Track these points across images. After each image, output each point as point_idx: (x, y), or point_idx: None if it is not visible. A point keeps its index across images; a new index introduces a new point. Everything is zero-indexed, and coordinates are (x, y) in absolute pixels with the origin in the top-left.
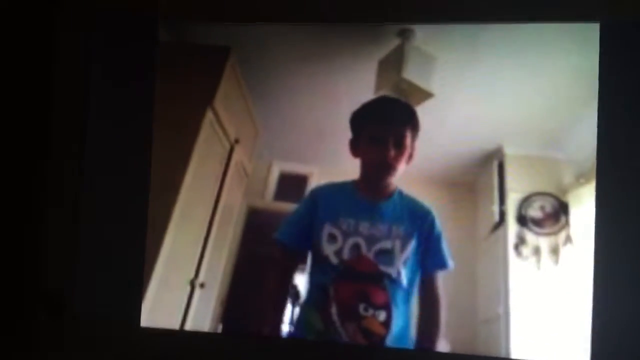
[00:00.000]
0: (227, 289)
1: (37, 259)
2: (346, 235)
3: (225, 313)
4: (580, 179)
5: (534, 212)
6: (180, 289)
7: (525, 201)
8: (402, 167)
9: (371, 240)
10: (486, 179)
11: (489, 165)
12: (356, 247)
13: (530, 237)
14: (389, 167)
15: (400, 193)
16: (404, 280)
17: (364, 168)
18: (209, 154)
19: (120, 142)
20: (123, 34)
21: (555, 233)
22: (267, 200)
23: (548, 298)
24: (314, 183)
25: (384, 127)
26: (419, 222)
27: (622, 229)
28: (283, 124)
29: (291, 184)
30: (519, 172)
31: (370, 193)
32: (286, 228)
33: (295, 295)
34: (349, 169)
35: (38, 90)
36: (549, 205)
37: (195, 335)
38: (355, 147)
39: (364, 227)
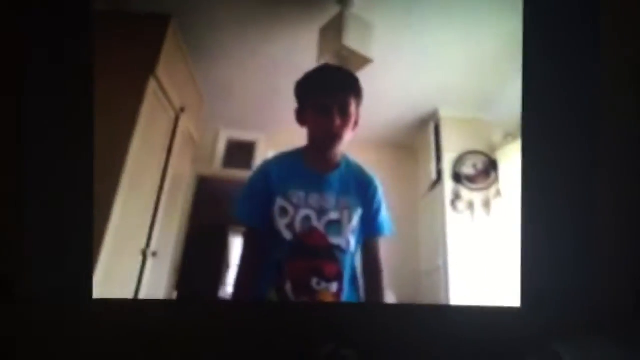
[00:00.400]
0: (180, 257)
1: None
2: (297, 207)
3: (179, 280)
4: (507, 137)
5: (467, 169)
6: (133, 259)
7: (459, 160)
8: (348, 136)
9: (321, 211)
10: (424, 141)
11: (426, 127)
12: (307, 219)
13: (464, 192)
14: (335, 136)
15: (347, 161)
16: (352, 248)
17: (312, 137)
18: (154, 123)
19: (60, 115)
20: (57, 3)
21: (487, 188)
22: (216, 167)
23: (482, 247)
24: (261, 148)
25: (329, 96)
26: (363, 191)
27: (546, 181)
28: (228, 91)
29: (239, 150)
30: (453, 133)
31: (318, 164)
32: (243, 205)
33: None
34: (295, 134)
35: None
36: (480, 162)
37: (150, 303)
38: (302, 117)
39: (314, 199)
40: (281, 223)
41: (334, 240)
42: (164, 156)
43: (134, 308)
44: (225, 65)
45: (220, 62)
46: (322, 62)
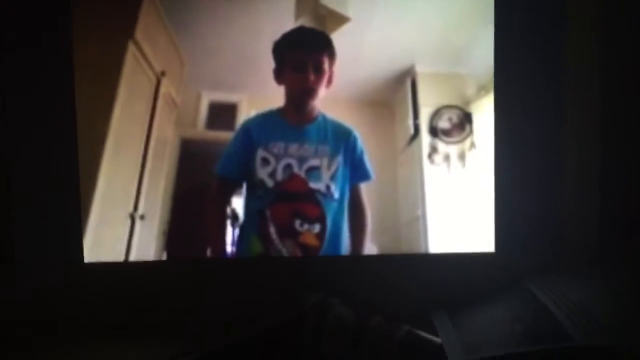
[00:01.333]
0: (168, 218)
1: None
2: (278, 157)
3: (168, 241)
4: (481, 91)
5: (443, 123)
6: (121, 223)
7: (436, 114)
8: (322, 91)
9: (301, 159)
10: (401, 97)
11: (403, 83)
12: (288, 167)
13: (441, 145)
14: (310, 91)
15: (324, 116)
16: (335, 193)
17: (288, 94)
18: (135, 88)
19: (41, 83)
20: None
21: (462, 140)
22: (199, 129)
23: (458, 197)
24: (243, 110)
25: (304, 54)
26: (342, 141)
27: (517, 132)
28: (208, 53)
29: (221, 112)
30: (430, 88)
31: (296, 118)
32: (225, 161)
33: (234, 217)
34: (276, 95)
35: None
36: (455, 116)
37: (141, 264)
38: (279, 75)
39: (294, 148)
40: (263, 172)
41: (314, 185)
42: (146, 120)
43: (125, 270)
44: (205, 29)
45: (200, 26)
46: (300, 21)
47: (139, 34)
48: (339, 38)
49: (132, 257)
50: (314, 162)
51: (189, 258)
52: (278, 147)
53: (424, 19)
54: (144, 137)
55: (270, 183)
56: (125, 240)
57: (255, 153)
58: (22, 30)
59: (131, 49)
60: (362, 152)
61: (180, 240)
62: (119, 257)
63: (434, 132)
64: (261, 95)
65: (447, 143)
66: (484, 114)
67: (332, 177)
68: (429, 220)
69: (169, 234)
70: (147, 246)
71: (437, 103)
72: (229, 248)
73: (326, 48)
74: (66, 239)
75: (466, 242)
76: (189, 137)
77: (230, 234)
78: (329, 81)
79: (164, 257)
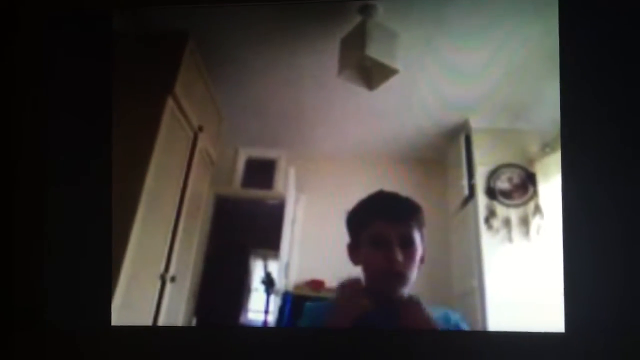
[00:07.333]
0: (199, 281)
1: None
2: None
3: (198, 305)
4: (545, 149)
5: (503, 184)
6: (151, 284)
7: (493, 174)
8: (414, 274)
9: None
10: (454, 154)
11: (456, 140)
12: None
13: (500, 209)
14: (397, 275)
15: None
16: None
17: (368, 278)
18: (172, 143)
19: (79, 137)
20: (76, 25)
21: (524, 203)
22: (235, 187)
23: (521, 269)
24: (282, 167)
25: (386, 225)
26: None
27: (589, 196)
28: (247, 108)
29: (259, 169)
30: (486, 145)
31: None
32: None
33: (270, 283)
34: (316, 152)
35: None
36: (516, 176)
37: (169, 329)
38: (355, 252)
39: None
40: None
41: None
42: (181, 177)
43: (152, 335)
44: (244, 81)
45: (239, 79)
46: (344, 74)
47: (178, 88)
48: (386, 91)
49: (161, 321)
50: None
51: (220, 324)
52: None
53: (479, 70)
54: (178, 195)
55: None
56: (154, 303)
57: None
58: (64, 82)
59: (170, 103)
60: None
61: (211, 305)
62: (147, 321)
63: (491, 193)
64: (301, 151)
65: (507, 206)
66: (550, 174)
67: None
68: (487, 293)
69: (200, 297)
70: (176, 309)
71: (495, 161)
72: (262, 316)
73: (414, 216)
74: (95, 301)
75: (530, 320)
76: (224, 195)
77: (265, 301)
78: (422, 260)
79: (194, 322)
